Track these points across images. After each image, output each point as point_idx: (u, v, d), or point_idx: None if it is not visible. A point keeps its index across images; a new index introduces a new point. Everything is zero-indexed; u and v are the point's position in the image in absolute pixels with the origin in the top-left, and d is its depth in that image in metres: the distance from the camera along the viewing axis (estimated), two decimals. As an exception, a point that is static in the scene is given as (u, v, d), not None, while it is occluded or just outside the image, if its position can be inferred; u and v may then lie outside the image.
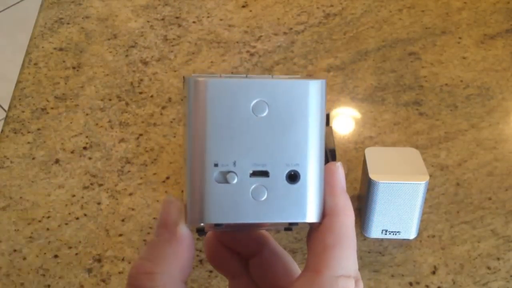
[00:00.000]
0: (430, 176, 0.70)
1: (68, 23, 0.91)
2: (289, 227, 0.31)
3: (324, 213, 0.28)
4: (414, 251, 0.64)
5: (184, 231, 0.28)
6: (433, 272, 0.62)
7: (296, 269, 0.34)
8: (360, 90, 0.81)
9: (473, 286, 0.61)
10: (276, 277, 0.34)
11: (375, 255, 0.64)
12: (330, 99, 0.80)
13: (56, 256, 0.64)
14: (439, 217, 0.67)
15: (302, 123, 0.28)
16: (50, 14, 0.93)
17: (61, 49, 0.87)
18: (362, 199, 0.64)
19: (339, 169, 0.29)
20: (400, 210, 0.61)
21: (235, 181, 0.27)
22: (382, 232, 0.63)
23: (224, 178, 0.27)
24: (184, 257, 0.28)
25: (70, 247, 0.65)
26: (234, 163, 0.27)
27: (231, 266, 0.34)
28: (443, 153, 0.73)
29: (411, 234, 0.63)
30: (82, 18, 0.92)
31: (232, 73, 0.86)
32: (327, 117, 0.69)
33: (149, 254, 0.28)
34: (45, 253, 0.64)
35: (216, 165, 0.27)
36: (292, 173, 0.28)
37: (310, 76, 0.28)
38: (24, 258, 0.64)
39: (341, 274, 0.26)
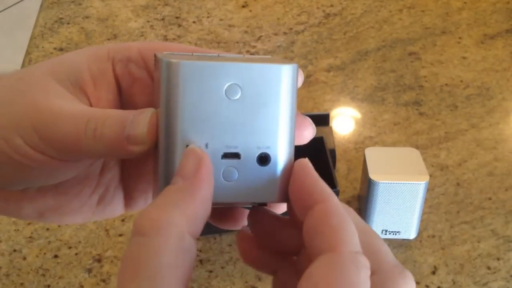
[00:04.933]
0: (430, 176, 0.70)
1: (68, 23, 0.91)
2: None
3: (314, 202, 0.28)
4: (414, 251, 0.64)
5: (202, 181, 0.26)
6: (433, 272, 0.62)
7: None
8: (360, 90, 0.81)
9: (473, 286, 0.61)
10: None
11: (375, 255, 0.64)
12: (330, 99, 0.80)
13: (56, 256, 0.64)
14: (439, 217, 0.67)
15: (274, 106, 0.28)
16: (50, 14, 0.93)
17: (61, 49, 0.87)
18: (362, 199, 0.64)
19: (309, 163, 0.29)
20: (400, 210, 0.61)
21: None
22: (382, 232, 0.63)
23: None
24: (195, 208, 0.25)
25: (70, 247, 0.65)
26: (206, 145, 0.28)
27: (269, 264, 0.32)
28: (443, 153, 0.73)
29: (411, 234, 0.63)
30: (82, 18, 0.92)
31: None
32: (327, 117, 0.69)
33: (159, 200, 0.25)
34: (45, 253, 0.64)
35: (188, 146, 0.27)
36: (263, 155, 0.28)
37: (283, 59, 0.29)
38: (24, 258, 0.64)
39: (357, 251, 0.25)
